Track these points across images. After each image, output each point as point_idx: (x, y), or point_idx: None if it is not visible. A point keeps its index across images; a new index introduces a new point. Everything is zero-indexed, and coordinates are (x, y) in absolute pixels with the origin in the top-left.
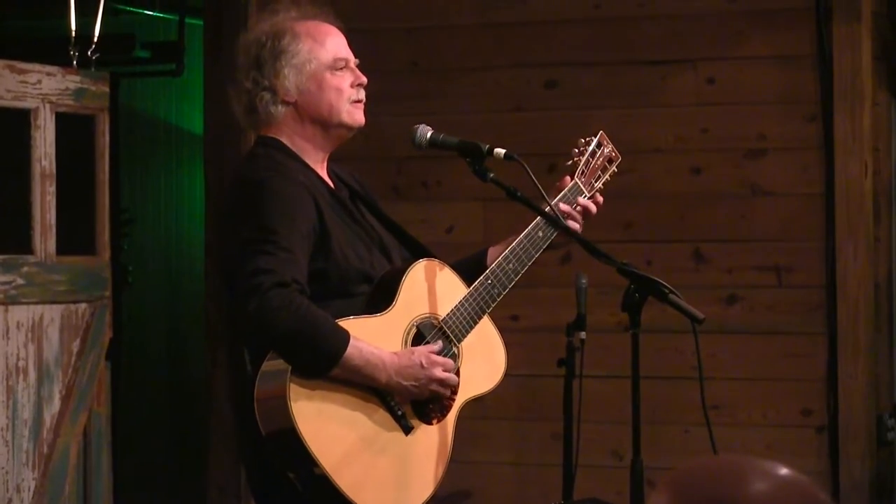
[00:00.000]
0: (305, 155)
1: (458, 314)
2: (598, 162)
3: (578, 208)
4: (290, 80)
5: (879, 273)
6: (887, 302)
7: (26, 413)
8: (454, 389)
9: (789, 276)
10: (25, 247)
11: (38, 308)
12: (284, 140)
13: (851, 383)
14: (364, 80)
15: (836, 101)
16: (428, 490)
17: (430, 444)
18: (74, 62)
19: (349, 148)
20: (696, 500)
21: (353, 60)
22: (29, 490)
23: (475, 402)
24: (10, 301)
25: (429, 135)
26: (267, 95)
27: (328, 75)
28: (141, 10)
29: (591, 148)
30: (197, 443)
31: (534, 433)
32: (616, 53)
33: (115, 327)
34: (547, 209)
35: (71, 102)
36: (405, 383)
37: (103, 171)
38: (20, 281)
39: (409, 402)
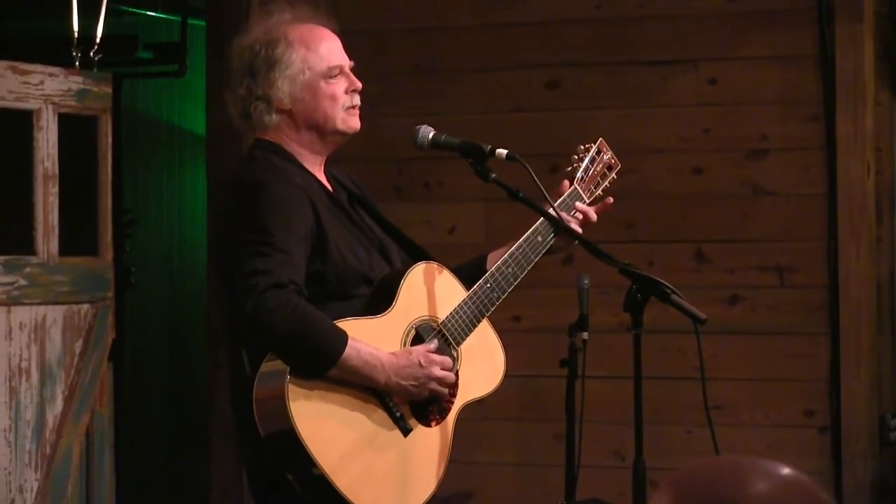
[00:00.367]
0: (302, 159)
1: (456, 317)
2: (598, 168)
3: (578, 215)
4: (283, 91)
5: (882, 273)
6: (889, 302)
7: (29, 414)
8: (453, 389)
9: (791, 276)
10: (28, 248)
11: (41, 309)
12: (282, 144)
13: (854, 384)
14: (359, 85)
15: (839, 102)
16: (427, 492)
17: (428, 446)
18: (77, 63)
19: (350, 149)
20: (697, 500)
21: (347, 65)
22: (31, 491)
23: (476, 403)
24: (13, 302)
25: (430, 135)
26: (261, 105)
27: (322, 84)
28: (143, 11)
29: (590, 154)
30: (199, 443)
31: (536, 433)
32: (617, 54)
33: (117, 328)
34: (549, 210)
35: (73, 103)
36: (404, 383)
37: (106, 172)
38: (23, 282)
39: (407, 403)
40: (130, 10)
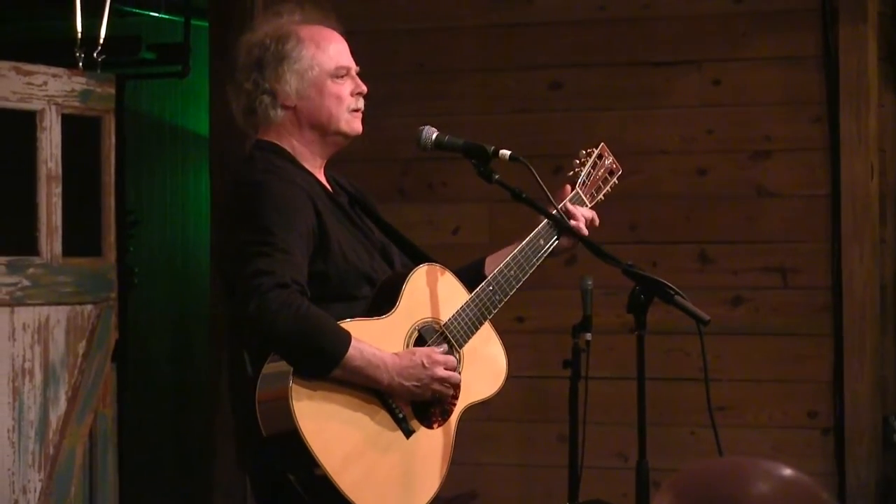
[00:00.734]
0: (303, 159)
1: (459, 319)
2: (600, 174)
3: (581, 219)
4: (290, 85)
5: (885, 274)
6: (893, 303)
7: (32, 414)
8: (455, 391)
9: (795, 277)
10: (31, 248)
11: (44, 309)
12: (282, 144)
13: (857, 385)
14: (364, 89)
15: (842, 103)
16: (429, 494)
17: (430, 448)
18: (80, 64)
19: (354, 149)
20: (699, 500)
21: (354, 68)
22: (35, 491)
23: (479, 405)
24: (16, 302)
25: (434, 136)
26: (267, 99)
27: (329, 82)
28: (147, 12)
29: (592, 159)
30: (202, 445)
31: (539, 434)
32: (621, 55)
33: (120, 329)
34: (553, 211)
35: (77, 104)
36: (407, 384)
37: (109, 173)
38: (26, 282)
39: (410, 404)
40: (134, 10)
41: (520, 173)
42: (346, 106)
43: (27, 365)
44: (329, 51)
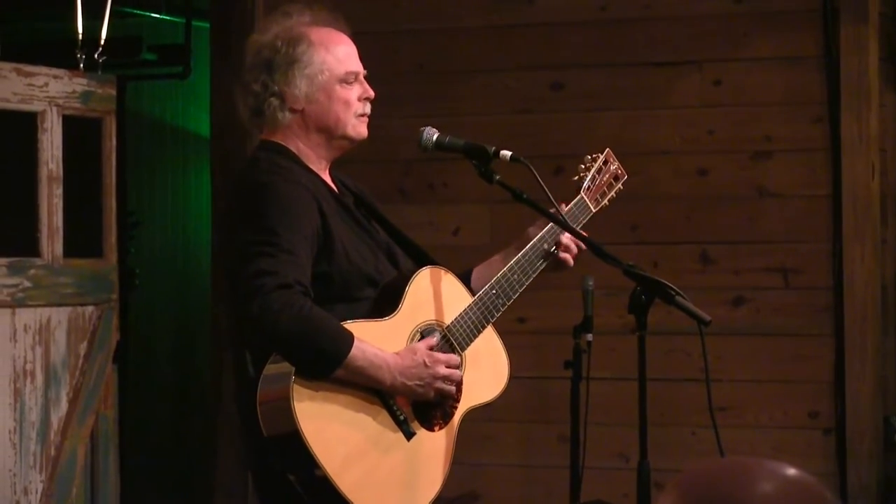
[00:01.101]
0: (308, 161)
1: (462, 322)
2: (604, 179)
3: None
4: (300, 89)
5: (886, 275)
6: (894, 303)
7: (33, 416)
8: (457, 393)
9: (796, 277)
10: (32, 249)
11: (46, 311)
12: (288, 145)
13: (858, 385)
14: (371, 94)
15: (843, 103)
16: (428, 496)
17: (431, 450)
18: (81, 65)
19: (355, 150)
20: (702, 500)
21: (362, 73)
22: (36, 493)
23: (482, 407)
24: (18, 304)
25: (435, 137)
26: (275, 101)
27: (338, 87)
28: (148, 13)
29: (597, 164)
30: (204, 445)
31: (541, 435)
32: (622, 55)
33: (122, 330)
34: (554, 212)
35: (78, 105)
36: (410, 383)
37: (110, 174)
38: (27, 283)
39: (411, 406)
40: (134, 12)
41: (521, 174)
42: (354, 111)
43: (28, 366)
44: (339, 55)
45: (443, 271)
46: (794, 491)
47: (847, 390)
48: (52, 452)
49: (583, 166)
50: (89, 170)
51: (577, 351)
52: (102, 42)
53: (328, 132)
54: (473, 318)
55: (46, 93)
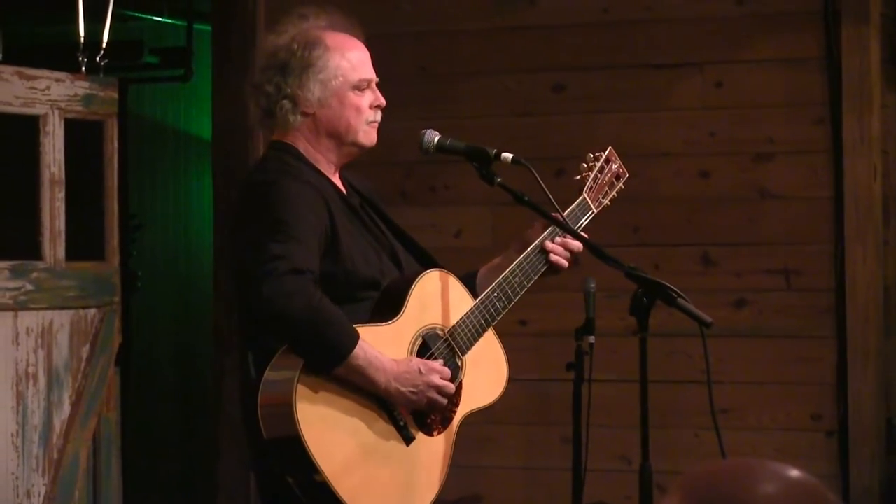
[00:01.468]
0: (317, 163)
1: (463, 326)
2: (606, 178)
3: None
4: (313, 93)
5: (889, 276)
6: None
7: (36, 419)
8: (453, 399)
9: (798, 279)
10: (34, 253)
11: (48, 314)
12: (298, 147)
13: (861, 387)
14: (383, 102)
15: (845, 104)
16: (427, 500)
17: (430, 455)
18: (83, 68)
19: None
20: (706, 502)
21: (375, 80)
22: (39, 496)
23: (481, 410)
24: (20, 307)
25: (436, 139)
26: (287, 104)
27: (351, 94)
28: (149, 17)
29: (599, 164)
30: (206, 448)
31: (543, 437)
32: (624, 57)
33: (124, 333)
34: (555, 215)
35: (80, 108)
36: (403, 389)
37: (112, 177)
38: (29, 287)
39: (409, 411)
40: (136, 15)
41: (522, 176)
42: (365, 118)
43: (31, 369)
44: (354, 62)
45: (446, 274)
46: (797, 492)
47: (849, 392)
48: (55, 455)
49: (585, 165)
50: (91, 173)
51: (578, 353)
52: (104, 45)
53: (338, 137)
54: (475, 321)
55: (48, 96)
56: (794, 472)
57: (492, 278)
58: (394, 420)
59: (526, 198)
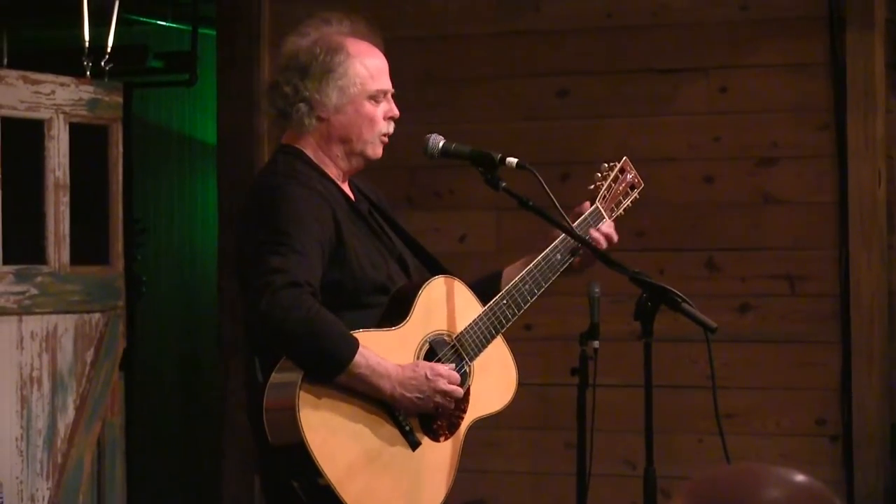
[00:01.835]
0: (326, 168)
1: (471, 332)
2: (621, 188)
3: (600, 238)
4: (330, 98)
5: (893, 281)
6: None
7: (40, 423)
8: (463, 404)
9: (802, 284)
10: (39, 257)
11: (52, 318)
12: (308, 151)
13: (865, 392)
14: (397, 113)
15: (849, 109)
16: None
17: (436, 460)
18: (88, 72)
19: None
20: None
21: (391, 91)
22: (43, 500)
23: (489, 416)
24: (24, 311)
25: (441, 144)
26: (304, 107)
27: (367, 103)
28: (154, 21)
29: (614, 173)
30: (211, 452)
31: (547, 442)
32: (628, 62)
33: (128, 337)
34: (560, 219)
35: (84, 113)
36: (409, 395)
37: (116, 182)
38: (34, 291)
39: (416, 416)
40: (141, 19)
41: (527, 181)
42: (377, 130)
43: (35, 373)
44: (373, 71)
45: (453, 280)
46: (802, 497)
47: (854, 397)
48: (59, 460)
49: (599, 175)
50: (96, 177)
51: (583, 358)
52: (109, 49)
53: (348, 145)
54: (483, 328)
55: (53, 100)
56: (800, 477)
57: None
58: (399, 425)
59: (531, 203)
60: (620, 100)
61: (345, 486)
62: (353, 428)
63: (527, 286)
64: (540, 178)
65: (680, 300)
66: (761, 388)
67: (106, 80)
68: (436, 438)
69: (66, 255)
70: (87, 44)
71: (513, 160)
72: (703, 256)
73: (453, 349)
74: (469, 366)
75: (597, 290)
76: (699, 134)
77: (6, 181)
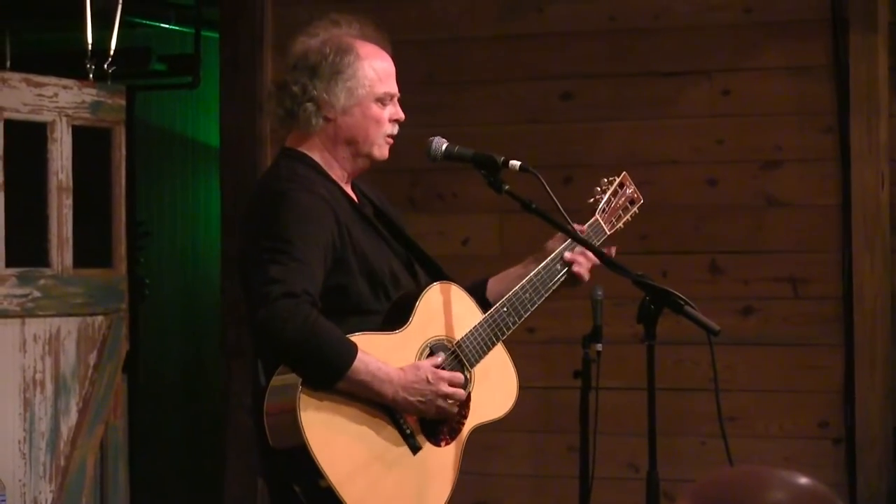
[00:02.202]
0: (331, 170)
1: (471, 339)
2: (620, 202)
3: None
4: (338, 99)
5: None
6: None
7: (43, 426)
8: (464, 410)
9: (805, 287)
10: (42, 260)
11: (55, 321)
12: (312, 154)
13: (868, 395)
14: (402, 116)
15: (852, 112)
16: None
17: (437, 465)
18: (91, 75)
19: None
20: None
21: (397, 95)
22: (46, 502)
23: (490, 422)
24: (27, 314)
25: (444, 147)
26: (311, 107)
27: (374, 105)
28: (157, 24)
29: (613, 187)
30: (214, 455)
31: (550, 445)
32: (631, 65)
33: (131, 340)
34: (563, 223)
35: (87, 115)
36: (411, 398)
37: (119, 184)
38: (37, 294)
39: (417, 420)
40: (144, 22)
41: (530, 184)
42: (383, 131)
43: (38, 376)
44: (381, 74)
45: (454, 287)
46: (805, 499)
47: (857, 400)
48: (62, 462)
49: (598, 189)
50: (99, 180)
51: (586, 361)
52: (112, 52)
53: (355, 146)
54: (483, 335)
55: (56, 103)
56: (803, 479)
57: (503, 289)
58: (400, 429)
59: (534, 206)
60: (623, 103)
61: (346, 487)
62: (354, 430)
63: (527, 294)
64: (543, 181)
65: (683, 303)
66: (764, 390)
67: (109, 82)
68: (437, 443)
69: (69, 258)
70: (90, 46)
71: (516, 163)
72: (706, 259)
73: (454, 355)
74: (470, 372)
75: (600, 292)
76: (702, 137)
77: (9, 184)
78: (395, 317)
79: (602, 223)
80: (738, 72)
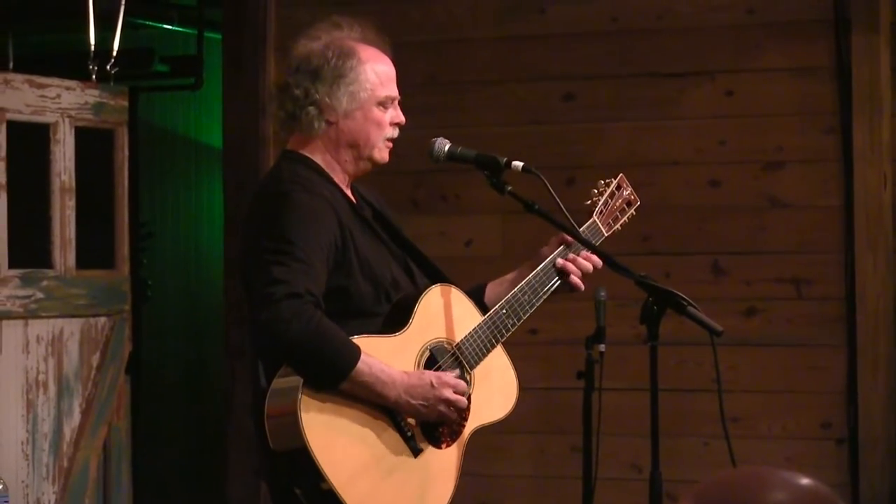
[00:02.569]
0: (333, 173)
1: (471, 341)
2: (617, 204)
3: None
4: (340, 102)
5: None
6: None
7: (46, 427)
8: (465, 412)
9: (808, 288)
10: (45, 261)
11: (58, 322)
12: (314, 157)
13: (871, 395)
14: (403, 120)
15: (855, 113)
16: None
17: (438, 467)
18: (94, 76)
19: None
20: None
21: (398, 98)
22: None
23: (490, 424)
24: (30, 315)
25: (446, 148)
26: (313, 110)
27: (375, 108)
28: (160, 25)
29: (610, 189)
30: (216, 456)
31: (553, 446)
32: (634, 66)
33: (134, 341)
34: (565, 223)
35: (90, 117)
36: (414, 402)
37: (122, 185)
38: (40, 295)
39: (418, 423)
40: (147, 23)
41: (532, 185)
42: (384, 135)
43: (41, 377)
44: (383, 78)
45: (453, 289)
46: (808, 500)
47: (860, 400)
48: (65, 464)
49: (595, 191)
50: (101, 181)
51: (589, 362)
52: (115, 53)
53: (356, 149)
54: (483, 337)
55: (59, 104)
56: (805, 480)
57: (502, 294)
58: (401, 431)
59: (536, 206)
60: (626, 103)
61: (347, 490)
62: (355, 432)
63: (526, 296)
64: (546, 182)
65: (686, 304)
66: (767, 391)
67: (112, 83)
68: (438, 445)
69: (71, 259)
70: (92, 47)
71: (518, 164)
72: (709, 260)
73: (453, 357)
74: (469, 374)
75: (602, 293)
76: (705, 138)
77: (12, 185)
78: (395, 319)
79: (600, 225)
80: (741, 72)
